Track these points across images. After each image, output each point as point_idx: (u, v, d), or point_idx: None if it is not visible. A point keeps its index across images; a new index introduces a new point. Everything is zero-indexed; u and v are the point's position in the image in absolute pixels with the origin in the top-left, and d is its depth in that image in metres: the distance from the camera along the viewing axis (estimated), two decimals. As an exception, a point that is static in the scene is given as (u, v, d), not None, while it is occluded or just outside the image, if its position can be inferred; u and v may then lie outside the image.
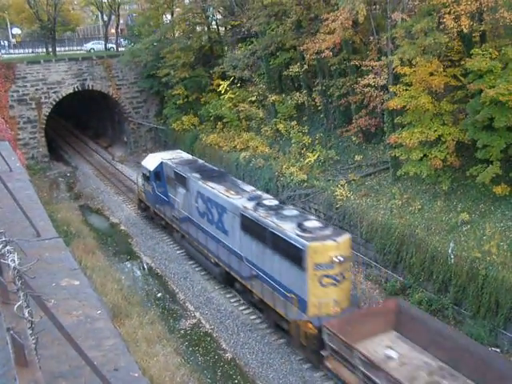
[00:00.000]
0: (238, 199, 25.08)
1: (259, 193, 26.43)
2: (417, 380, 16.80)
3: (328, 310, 20.05)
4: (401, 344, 18.86)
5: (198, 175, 29.15)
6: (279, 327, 22.61)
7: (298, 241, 20.43)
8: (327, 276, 20.09)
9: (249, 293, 24.46)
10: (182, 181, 30.39)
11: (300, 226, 21.13)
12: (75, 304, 5.76)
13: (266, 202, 24.07)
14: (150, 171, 34.00)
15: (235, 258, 25.15)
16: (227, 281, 26.70)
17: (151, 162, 34.54)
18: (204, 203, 27.89)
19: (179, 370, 20.23)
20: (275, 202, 24.30)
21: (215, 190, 26.76)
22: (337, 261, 19.74)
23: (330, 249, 19.88)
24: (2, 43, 67.12)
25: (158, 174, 33.45)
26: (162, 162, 33.26)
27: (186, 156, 34.84)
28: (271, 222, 22.13)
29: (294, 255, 20.61)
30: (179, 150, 37.21)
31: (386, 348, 17.87)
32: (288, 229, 21.18)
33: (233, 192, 26.06)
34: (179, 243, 32.39)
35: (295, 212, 23.04)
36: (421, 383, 16.68)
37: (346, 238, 20.74)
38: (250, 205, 24.05)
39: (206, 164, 32.78)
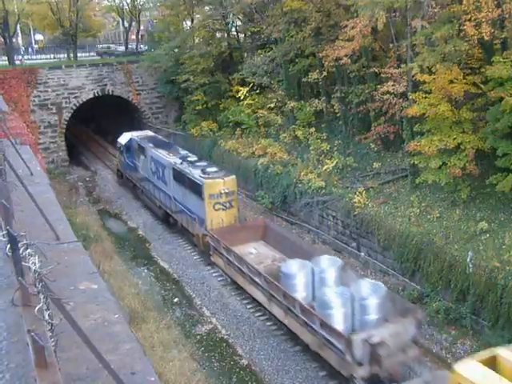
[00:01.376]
0: (173, 158, 35.00)
1: (188, 154, 35.86)
2: (263, 263, 26.19)
3: (218, 225, 29.37)
4: (263, 247, 28.62)
5: (152, 145, 38.55)
6: (190, 240, 31.60)
7: (199, 179, 30.39)
8: (218, 203, 29.90)
9: (176, 223, 34.88)
10: (142, 150, 39.64)
11: (203, 170, 31.18)
12: (93, 307, 5.83)
13: (189, 159, 33.87)
14: (122, 145, 43.30)
15: (169, 200, 35.12)
16: (165, 217, 36.88)
17: (124, 138, 43.22)
18: (154, 165, 37.38)
19: (195, 376, 20.25)
20: (195, 159, 34.33)
21: (161, 154, 36.54)
22: (223, 192, 29.76)
23: (219, 184, 29.97)
24: (23, 49, 67.90)
25: (127, 147, 42.60)
26: (130, 138, 42.31)
27: (150, 134, 43.90)
28: (187, 170, 32.09)
29: (198, 190, 30.50)
30: (147, 131, 45.89)
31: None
32: (195, 173, 31.16)
33: (171, 154, 36.05)
34: (140, 197, 42.06)
35: (204, 163, 33.51)
36: (264, 265, 25.90)
37: (231, 177, 30.71)
38: (179, 161, 33.92)
39: (162, 138, 42.47)
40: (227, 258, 26.88)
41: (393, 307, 20.32)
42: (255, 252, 28.01)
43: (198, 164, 32.89)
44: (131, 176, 43.05)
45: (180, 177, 33.06)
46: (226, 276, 28.24)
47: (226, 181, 30.20)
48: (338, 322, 19.74)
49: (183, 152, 36.61)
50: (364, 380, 18.57)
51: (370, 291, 20.46)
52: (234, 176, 30.91)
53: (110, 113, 57.92)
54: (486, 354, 14.39)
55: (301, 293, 22.14)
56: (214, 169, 31.75)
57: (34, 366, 3.16)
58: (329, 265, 22.92)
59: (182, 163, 33.53)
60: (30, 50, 69.78)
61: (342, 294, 20.67)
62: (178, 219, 34.38)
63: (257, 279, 24.14)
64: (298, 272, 22.57)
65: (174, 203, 34.36)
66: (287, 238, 28.30)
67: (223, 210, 29.97)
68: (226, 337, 24.24)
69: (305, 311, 20.67)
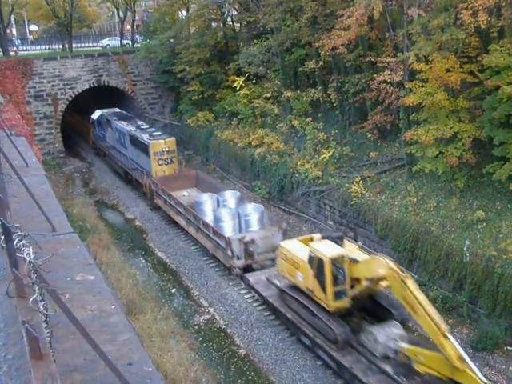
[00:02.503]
0: (130, 127, 42.98)
1: (142, 123, 44.01)
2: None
3: (164, 174, 38.07)
4: (194, 192, 36.16)
5: (116, 118, 46.54)
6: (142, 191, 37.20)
7: (146, 141, 38.67)
8: (161, 159, 38.21)
9: (131, 178, 43.09)
10: (109, 123, 47.48)
11: (150, 134, 39.48)
12: (90, 298, 5.81)
13: (141, 127, 42.05)
14: (94, 120, 51.37)
15: (127, 160, 43.43)
16: (125, 175, 45.16)
17: (95, 114, 51.33)
18: (117, 134, 45.22)
19: (193, 366, 20.30)
20: (146, 126, 42.60)
21: (122, 125, 44.33)
22: (165, 150, 38.27)
23: (161, 144, 38.34)
24: (18, 40, 67.53)
25: (98, 121, 50.45)
26: (101, 114, 50.12)
27: (117, 110, 50.73)
28: (139, 135, 40.31)
29: (146, 149, 38.71)
30: (116, 108, 51.71)
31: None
32: (144, 137, 39.38)
33: (129, 125, 43.83)
34: (108, 162, 49.99)
35: (152, 129, 41.48)
36: (189, 201, 33.10)
37: (171, 139, 39.34)
38: (134, 129, 42.02)
39: (125, 113, 49.33)
40: (164, 199, 35.39)
41: (267, 221, 29.35)
42: (187, 195, 35.77)
43: (147, 130, 40.87)
44: (101, 145, 50.97)
45: (134, 141, 40.98)
46: (164, 213, 36.59)
47: (167, 141, 38.68)
48: (228, 231, 28.22)
49: (139, 122, 44.37)
50: (240, 269, 26.87)
51: (252, 210, 29.48)
52: (173, 138, 39.84)
53: (106, 103, 57.65)
54: (305, 236, 23.38)
55: (208, 216, 30.57)
56: (158, 133, 40.47)
57: (29, 357, 3.15)
58: (230, 196, 32.22)
59: (135, 130, 41.63)
60: (24, 40, 69.34)
61: (231, 212, 29.43)
62: (133, 175, 42.59)
63: (180, 210, 32.62)
64: (206, 201, 31.63)
65: (131, 162, 42.71)
66: (214, 184, 36.44)
67: (165, 164, 38.42)
68: (223, 327, 24.30)
69: (206, 226, 29.18)
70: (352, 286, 19.45)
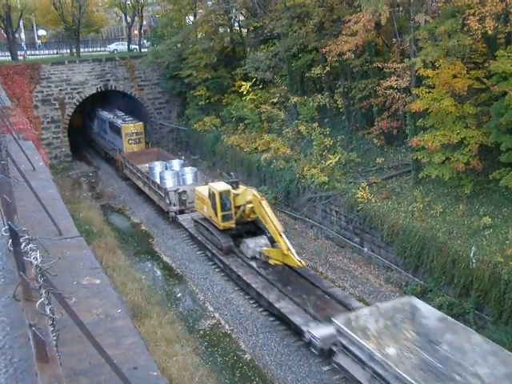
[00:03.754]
0: (110, 115, 52.62)
1: (120, 112, 52.69)
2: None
3: (132, 151, 47.44)
4: (158, 164, 41.97)
5: (100, 109, 55.23)
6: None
7: (119, 125, 48.74)
8: (131, 139, 47.95)
9: (111, 159, 50.51)
10: (95, 114, 57.05)
11: (123, 120, 49.73)
12: (96, 302, 5.83)
13: (118, 115, 51.67)
14: (85, 112, 58.54)
15: (107, 143, 52.75)
16: (105, 155, 53.28)
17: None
18: (101, 122, 55.35)
19: (198, 370, 20.29)
20: (122, 114, 51.61)
21: (104, 114, 53.83)
22: (134, 132, 48.05)
23: (130, 127, 48.30)
24: (26, 45, 67.82)
25: (88, 113, 58.80)
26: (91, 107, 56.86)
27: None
28: (115, 121, 50.50)
29: (119, 132, 48.45)
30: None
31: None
32: (119, 122, 49.52)
33: (110, 114, 53.09)
34: (94, 147, 58.10)
35: (126, 116, 50.93)
36: (155, 172, 40.37)
37: (140, 123, 49.31)
38: (113, 117, 51.70)
39: (109, 106, 55.65)
40: (130, 169, 44.11)
41: (200, 179, 38.78)
42: (152, 166, 42.30)
43: (122, 117, 50.70)
44: (90, 132, 59.87)
45: (112, 126, 50.59)
46: (131, 181, 44.89)
47: (136, 125, 48.81)
48: (171, 186, 37.24)
49: (118, 112, 52.84)
50: (175, 212, 35.85)
51: (188, 171, 39.41)
52: (141, 123, 49.66)
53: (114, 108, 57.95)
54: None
55: (157, 177, 39.41)
56: (130, 119, 50.15)
57: (36, 360, 3.17)
58: (175, 163, 42.03)
59: (113, 117, 51.09)
60: (32, 45, 69.66)
61: (172, 173, 39.20)
62: (111, 154, 50.95)
63: (140, 175, 41.69)
64: (156, 166, 41.13)
65: (109, 144, 51.77)
66: (169, 157, 44.89)
67: (134, 143, 48.25)
68: (229, 332, 24.28)
69: (154, 183, 38.83)
70: (236, 213, 29.09)
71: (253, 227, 29.58)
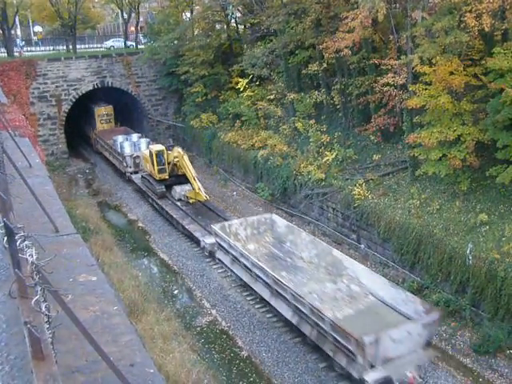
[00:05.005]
0: (88, 102, 55.26)
1: (99, 102, 56.52)
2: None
3: (102, 130, 54.14)
4: (120, 137, 48.24)
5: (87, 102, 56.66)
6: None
7: (93, 108, 54.94)
8: (102, 119, 54.92)
9: (87, 136, 58.26)
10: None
11: (97, 104, 55.47)
12: (92, 299, 5.82)
13: (93, 101, 55.91)
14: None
15: (89, 127, 57.59)
16: (87, 137, 58.90)
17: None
18: (84, 111, 58.02)
19: (195, 367, 20.30)
20: (106, 106, 55.76)
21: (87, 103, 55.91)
22: (104, 114, 55.06)
23: (102, 110, 55.28)
24: (22, 41, 67.64)
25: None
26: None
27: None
28: (90, 105, 55.35)
29: (92, 114, 55.21)
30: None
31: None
32: (92, 105, 55.29)
33: (92, 105, 56.27)
34: (83, 136, 60.23)
35: (101, 102, 56.17)
36: (117, 143, 47.93)
37: (109, 106, 55.50)
38: (93, 106, 55.66)
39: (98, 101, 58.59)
40: (101, 144, 51.93)
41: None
42: (121, 139, 48.41)
43: (99, 103, 56.00)
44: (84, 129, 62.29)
45: (88, 110, 56.17)
46: (101, 154, 53.03)
47: (106, 108, 55.45)
48: (127, 152, 45.57)
49: (100, 102, 56.76)
50: (130, 173, 44.72)
51: (143, 141, 46.26)
52: (111, 106, 55.65)
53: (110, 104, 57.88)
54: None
55: (118, 147, 46.92)
56: (103, 103, 56.00)
57: (31, 358, 3.15)
58: (135, 136, 48.82)
59: (92, 106, 55.57)
60: (28, 41, 69.48)
61: (130, 143, 46.90)
62: (86, 133, 58.47)
63: (107, 148, 49.76)
64: (119, 138, 48.14)
65: (89, 128, 57.30)
66: (132, 132, 51.17)
67: (106, 123, 55.07)
68: (226, 328, 24.30)
69: (115, 151, 47.31)
70: (168, 167, 39.21)
71: (183, 179, 37.59)
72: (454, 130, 24.09)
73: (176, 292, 28.14)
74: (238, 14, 51.78)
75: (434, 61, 25.10)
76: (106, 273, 24.70)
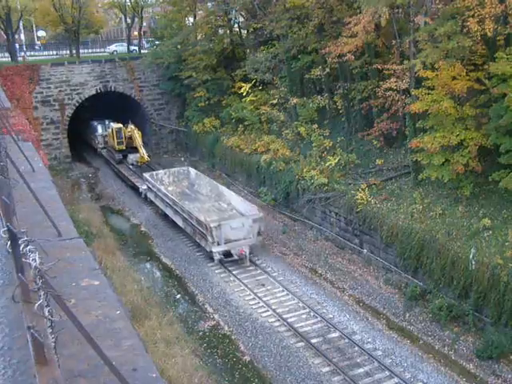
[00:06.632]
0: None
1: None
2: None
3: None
4: (96, 122, 56.71)
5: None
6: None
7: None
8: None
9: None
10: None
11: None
12: (95, 304, 5.81)
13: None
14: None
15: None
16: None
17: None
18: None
19: (197, 372, 20.29)
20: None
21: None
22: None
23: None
24: (23, 47, 67.84)
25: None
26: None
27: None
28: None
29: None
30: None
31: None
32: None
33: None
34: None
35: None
36: (93, 127, 57.64)
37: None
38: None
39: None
40: (82, 129, 58.50)
41: (123, 127, 51.19)
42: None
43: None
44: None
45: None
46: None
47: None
48: (99, 133, 55.07)
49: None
50: (101, 149, 55.24)
51: (113, 123, 52.07)
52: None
53: (113, 110, 57.96)
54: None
55: (95, 130, 55.77)
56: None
57: (34, 363, 3.16)
58: (107, 122, 54.63)
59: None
60: (32, 46, 69.71)
61: (102, 126, 54.94)
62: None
63: (89, 132, 57.94)
64: (94, 124, 56.43)
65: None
66: (109, 120, 56.11)
67: None
68: (228, 333, 24.28)
69: (92, 134, 56.26)
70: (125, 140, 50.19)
71: (135, 150, 48.25)
72: (457, 135, 24.09)
73: (178, 296, 28.13)
74: (241, 19, 51.88)
75: (436, 65, 25.13)
76: (109, 277, 24.69)
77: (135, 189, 43.90)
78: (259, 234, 30.73)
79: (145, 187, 40.48)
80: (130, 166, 49.10)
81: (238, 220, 30.91)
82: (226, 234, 29.64)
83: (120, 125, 50.81)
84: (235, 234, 29.93)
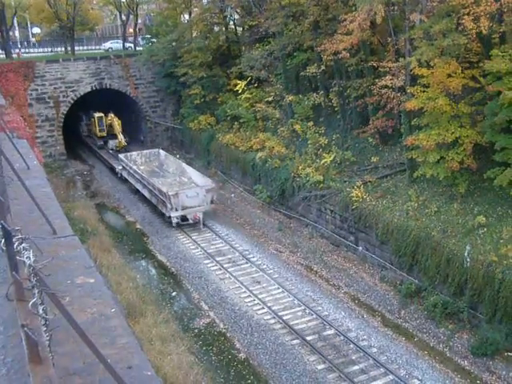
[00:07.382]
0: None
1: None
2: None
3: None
4: (85, 112, 59.82)
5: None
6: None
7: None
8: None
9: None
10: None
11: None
12: (90, 302, 5.80)
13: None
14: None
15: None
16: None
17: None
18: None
19: (192, 369, 20.28)
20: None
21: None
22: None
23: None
24: (20, 43, 67.61)
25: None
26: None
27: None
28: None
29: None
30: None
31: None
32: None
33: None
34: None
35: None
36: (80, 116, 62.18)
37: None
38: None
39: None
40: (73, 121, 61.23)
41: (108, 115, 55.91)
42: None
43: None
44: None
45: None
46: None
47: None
48: (84, 122, 60.74)
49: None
50: (85, 136, 60.97)
51: (97, 113, 55.79)
52: None
53: (108, 106, 57.79)
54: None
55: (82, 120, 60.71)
56: None
57: (28, 361, 3.14)
58: (91, 112, 56.77)
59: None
60: (26, 43, 69.46)
61: (86, 115, 59.07)
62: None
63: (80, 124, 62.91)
64: (81, 115, 58.47)
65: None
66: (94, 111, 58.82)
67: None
68: (223, 331, 24.28)
69: (80, 124, 61.03)
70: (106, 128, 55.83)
71: (115, 137, 53.34)
72: (452, 133, 24.11)
73: (174, 294, 28.11)
74: (237, 16, 51.83)
75: (431, 63, 25.13)
76: (104, 275, 24.67)
77: (113, 169, 49.43)
78: (212, 202, 36.25)
79: (120, 167, 45.97)
80: (110, 151, 54.05)
81: (193, 190, 36.16)
82: (183, 202, 35.00)
83: (101, 114, 55.81)
84: (190, 201, 35.32)
